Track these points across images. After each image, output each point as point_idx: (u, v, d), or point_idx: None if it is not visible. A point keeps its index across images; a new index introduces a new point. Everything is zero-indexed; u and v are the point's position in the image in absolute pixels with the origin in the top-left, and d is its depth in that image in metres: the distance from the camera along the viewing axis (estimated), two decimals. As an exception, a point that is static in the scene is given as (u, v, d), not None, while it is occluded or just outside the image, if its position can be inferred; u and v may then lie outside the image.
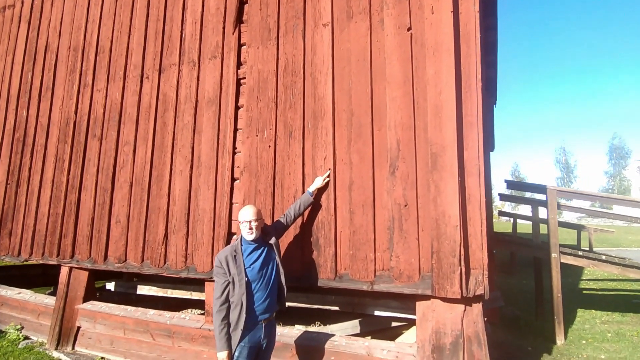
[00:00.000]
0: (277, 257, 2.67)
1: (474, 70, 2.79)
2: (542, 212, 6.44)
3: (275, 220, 3.13)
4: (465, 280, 2.57)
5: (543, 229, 6.71)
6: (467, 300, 2.64)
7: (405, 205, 2.77)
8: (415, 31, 2.96)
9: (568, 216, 30.07)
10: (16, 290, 5.32)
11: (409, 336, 3.68)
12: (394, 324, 3.91)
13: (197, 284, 4.57)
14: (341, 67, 3.21)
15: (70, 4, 5.27)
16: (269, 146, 3.44)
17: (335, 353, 2.96)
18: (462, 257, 2.56)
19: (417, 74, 2.93)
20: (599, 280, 9.71)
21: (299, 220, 3.18)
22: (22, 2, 5.90)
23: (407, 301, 3.48)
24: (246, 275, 2.48)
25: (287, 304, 4.28)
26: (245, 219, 2.55)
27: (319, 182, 3.05)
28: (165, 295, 5.04)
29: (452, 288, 2.54)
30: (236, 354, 2.46)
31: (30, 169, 5.13)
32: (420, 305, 2.80)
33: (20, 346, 4.52)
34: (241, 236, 2.60)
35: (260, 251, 2.60)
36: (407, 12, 3.00)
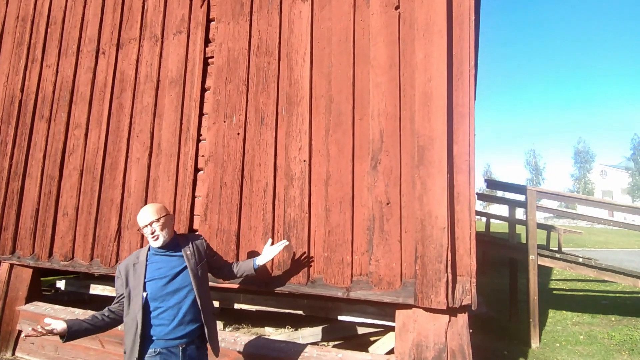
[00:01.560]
0: (199, 267, 2.12)
1: (466, 56, 2.53)
2: (519, 213, 6.37)
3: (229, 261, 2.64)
4: (452, 289, 2.32)
5: (519, 229, 6.65)
6: (452, 311, 2.39)
7: (388, 204, 2.49)
8: (403, 10, 2.66)
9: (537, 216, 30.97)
10: (-51, 288, 4.72)
11: (385, 344, 3.44)
12: (369, 330, 3.66)
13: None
14: (320, 48, 2.88)
15: (18, -32, 4.67)
16: (238, 134, 3.08)
17: (306, 365, 2.66)
18: (449, 262, 2.30)
19: (404, 58, 2.64)
20: (567, 280, 9.88)
21: (269, 217, 2.85)
22: (-35, -35, 5.22)
23: (385, 307, 3.22)
24: (144, 290, 1.98)
25: (256, 307, 3.98)
26: (144, 222, 2.02)
27: (271, 254, 2.48)
28: (121, 295, 4.60)
29: (437, 297, 2.29)
30: None
31: (-34, 152, 4.52)
32: (400, 314, 2.53)
33: (-51, 352, 3.99)
34: None
35: (171, 260, 2.08)
36: (396, -11, 2.70)
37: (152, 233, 2.02)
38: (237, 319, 4.63)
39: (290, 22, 3.01)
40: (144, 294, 1.97)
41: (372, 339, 3.72)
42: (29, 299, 4.06)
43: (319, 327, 3.58)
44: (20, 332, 3.97)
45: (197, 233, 2.17)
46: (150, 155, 3.44)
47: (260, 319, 4.35)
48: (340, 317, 3.39)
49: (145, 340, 1.94)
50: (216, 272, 2.42)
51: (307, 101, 2.83)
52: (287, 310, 3.57)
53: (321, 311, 3.46)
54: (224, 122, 3.16)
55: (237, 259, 2.91)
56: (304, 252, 2.68)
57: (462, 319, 2.41)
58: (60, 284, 5.11)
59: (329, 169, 2.69)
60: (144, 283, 1.99)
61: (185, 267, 2.07)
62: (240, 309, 4.35)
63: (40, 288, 4.31)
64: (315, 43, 2.90)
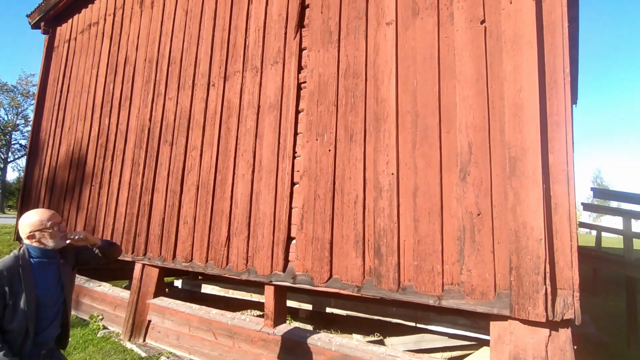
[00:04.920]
0: (71, 273, 2.16)
1: (560, 64, 2.48)
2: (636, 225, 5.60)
3: None
4: (552, 302, 2.26)
5: (636, 243, 5.84)
6: (552, 325, 2.32)
7: (479, 215, 2.52)
8: (489, 24, 2.70)
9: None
10: (97, 282, 5.82)
11: (478, 358, 3.38)
12: (460, 343, 3.62)
13: (257, 286, 4.63)
14: (405, 67, 3.04)
15: (146, 19, 5.69)
16: (329, 150, 3.37)
17: (398, 370, 2.78)
18: (548, 274, 2.25)
19: (491, 71, 2.67)
20: None
21: (359, 227, 3.06)
22: (105, 19, 6.51)
23: (477, 319, 3.18)
24: (36, 296, 1.95)
25: (347, 312, 4.19)
26: (58, 219, 2.03)
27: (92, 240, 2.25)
28: (226, 295, 5.19)
29: (535, 310, 2.25)
30: None
31: (110, 171, 5.60)
32: (495, 325, 2.52)
33: (98, 335, 4.92)
34: (26, 247, 2.03)
35: (55, 265, 2.08)
36: (481, 4, 2.75)
37: (62, 231, 2.04)
38: (326, 324, 4.90)
39: (375, 45, 3.24)
40: (36, 300, 1.96)
41: (463, 352, 3.67)
42: (156, 294, 4.84)
43: (408, 336, 3.65)
44: (150, 321, 4.74)
45: None
46: (253, 171, 3.92)
47: (349, 325, 4.55)
48: (430, 327, 3.43)
49: (32, 346, 1.97)
50: (87, 260, 2.33)
51: (393, 118, 3.01)
52: (376, 317, 3.72)
53: (411, 320, 3.53)
54: (316, 140, 3.49)
55: (331, 266, 3.17)
56: (394, 260, 2.83)
57: (565, 334, 2.31)
58: (178, 283, 5.96)
59: (416, 181, 2.82)
60: (34, 289, 1.96)
61: (64, 274, 2.10)
62: (332, 313, 4.61)
63: (164, 285, 5.09)
64: (400, 62, 3.07)
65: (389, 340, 3.77)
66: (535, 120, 2.41)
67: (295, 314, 5.09)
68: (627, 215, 5.70)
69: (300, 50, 3.82)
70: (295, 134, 3.69)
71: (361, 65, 3.28)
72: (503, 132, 2.55)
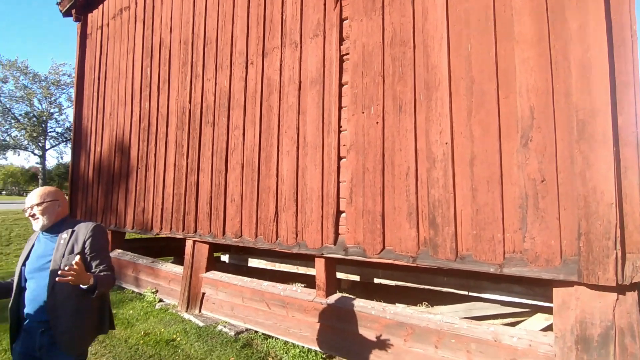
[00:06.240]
0: (64, 258, 1.96)
1: (627, 21, 2.33)
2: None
3: None
4: (621, 266, 2.22)
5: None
6: (620, 289, 2.29)
7: (542, 181, 2.47)
8: (551, -21, 2.54)
9: None
10: (149, 259, 6.16)
11: (532, 324, 3.39)
12: (512, 310, 3.63)
13: (304, 259, 4.77)
14: (458, 31, 2.93)
15: (178, 0, 5.69)
16: (377, 122, 3.35)
17: (456, 336, 2.84)
18: (618, 239, 2.21)
19: (554, 30, 2.53)
20: None
21: (412, 198, 3.06)
22: (136, 3, 6.55)
23: (534, 286, 3.18)
24: (24, 264, 2.03)
25: (395, 282, 4.27)
26: (27, 204, 2.03)
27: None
28: (273, 268, 5.38)
29: (606, 274, 2.22)
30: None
31: (155, 154, 5.79)
32: (558, 292, 2.51)
33: (157, 307, 5.26)
34: None
35: (48, 244, 2.04)
36: (541, -42, 2.58)
37: (32, 216, 2.02)
38: (368, 294, 5.00)
39: (424, 10, 3.12)
40: (21, 268, 2.03)
41: (515, 319, 3.69)
42: (207, 269, 5.08)
43: (458, 304, 3.70)
44: (204, 294, 5.00)
45: (97, 223, 2.13)
46: (297, 148, 3.95)
47: (393, 294, 4.64)
48: (483, 295, 3.45)
49: (10, 311, 2.01)
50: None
51: (446, 85, 2.93)
52: (426, 287, 3.77)
53: (462, 288, 3.57)
54: (363, 112, 3.46)
55: (384, 238, 3.21)
56: (451, 230, 2.83)
57: (632, 297, 2.29)
58: (225, 258, 6.21)
59: (473, 150, 2.77)
60: (24, 260, 2.04)
61: (64, 255, 1.98)
62: (374, 283, 4.71)
63: (214, 260, 5.33)
64: (451, 27, 2.96)
65: (437, 309, 3.83)
66: (605, 80, 2.30)
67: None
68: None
69: (341, 20, 3.73)
70: (340, 107, 3.67)
71: (408, 32, 3.19)
72: (569, 94, 2.44)
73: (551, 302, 2.65)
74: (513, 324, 3.66)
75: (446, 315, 3.13)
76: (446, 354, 2.86)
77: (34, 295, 1.96)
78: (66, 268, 1.80)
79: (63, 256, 1.97)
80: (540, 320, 3.38)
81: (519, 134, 2.58)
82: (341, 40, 3.72)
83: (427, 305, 4.10)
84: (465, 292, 3.55)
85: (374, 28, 3.43)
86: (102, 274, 1.99)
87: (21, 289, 2.00)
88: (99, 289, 1.92)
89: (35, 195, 2.04)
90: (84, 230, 2.03)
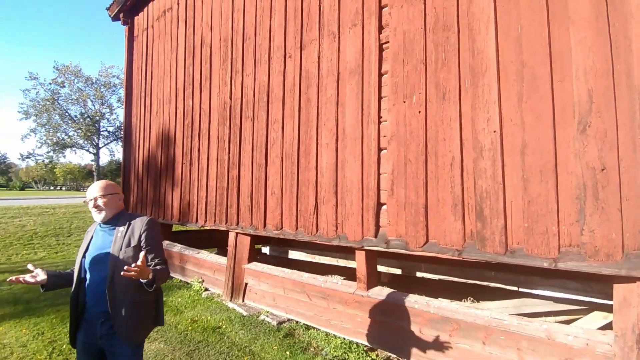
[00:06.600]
0: (123, 250, 2.03)
1: None
2: None
3: None
4: (697, 262, 2.02)
5: None
6: (694, 287, 2.09)
7: (603, 170, 2.29)
8: (614, -51, 2.32)
9: None
10: (195, 250, 6.43)
11: (588, 322, 3.18)
12: (566, 307, 3.42)
13: (344, 251, 4.78)
14: (506, 12, 2.76)
15: (218, -1, 5.82)
16: (419, 112, 3.25)
17: (506, 333, 2.73)
18: (694, 233, 2.00)
19: (612, 7, 2.32)
20: None
21: (457, 189, 2.96)
22: (178, 4, 6.79)
23: (591, 282, 2.97)
24: (84, 256, 2.08)
25: (439, 277, 4.17)
26: (89, 196, 2.08)
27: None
28: (312, 260, 5.44)
29: (678, 271, 2.03)
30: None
31: (198, 149, 6.01)
32: (619, 288, 2.33)
33: (203, 296, 5.49)
34: None
35: (107, 236, 2.10)
36: None
37: (97, 207, 2.07)
38: (409, 288, 4.92)
39: (468, -7, 2.97)
40: (81, 259, 2.08)
41: (569, 317, 3.48)
42: (249, 260, 5.22)
43: (507, 300, 3.55)
44: (247, 284, 5.16)
45: (151, 217, 2.17)
46: (336, 140, 3.94)
47: (435, 289, 4.53)
48: (534, 291, 3.28)
49: (72, 302, 2.07)
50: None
51: (494, 70, 2.79)
52: (472, 281, 3.65)
53: (511, 284, 3.41)
54: (404, 102, 3.37)
55: (427, 230, 3.13)
56: (500, 223, 2.71)
57: None
58: (265, 250, 6.36)
59: (524, 138, 2.62)
60: (84, 252, 2.09)
61: (121, 247, 2.05)
62: (416, 277, 4.62)
63: (256, 252, 5.47)
64: (499, 8, 2.80)
65: (484, 305, 3.70)
66: (677, 57, 2.08)
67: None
68: None
69: (380, 8, 3.64)
70: (380, 98, 3.60)
71: (452, 16, 3.05)
72: (630, 75, 2.24)
73: (610, 299, 2.47)
74: (567, 322, 3.46)
75: (494, 311, 3.01)
76: (495, 350, 2.75)
77: (94, 287, 2.02)
78: (132, 265, 1.84)
79: (120, 249, 2.03)
80: (597, 318, 3.17)
81: (576, 120, 2.40)
82: (380, 28, 3.64)
83: (472, 300, 3.97)
84: (515, 288, 3.39)
85: (415, 14, 3.32)
86: (158, 267, 2.06)
87: (81, 280, 2.07)
88: (157, 283, 1.99)
89: (99, 187, 2.10)
90: (139, 223, 2.09)
